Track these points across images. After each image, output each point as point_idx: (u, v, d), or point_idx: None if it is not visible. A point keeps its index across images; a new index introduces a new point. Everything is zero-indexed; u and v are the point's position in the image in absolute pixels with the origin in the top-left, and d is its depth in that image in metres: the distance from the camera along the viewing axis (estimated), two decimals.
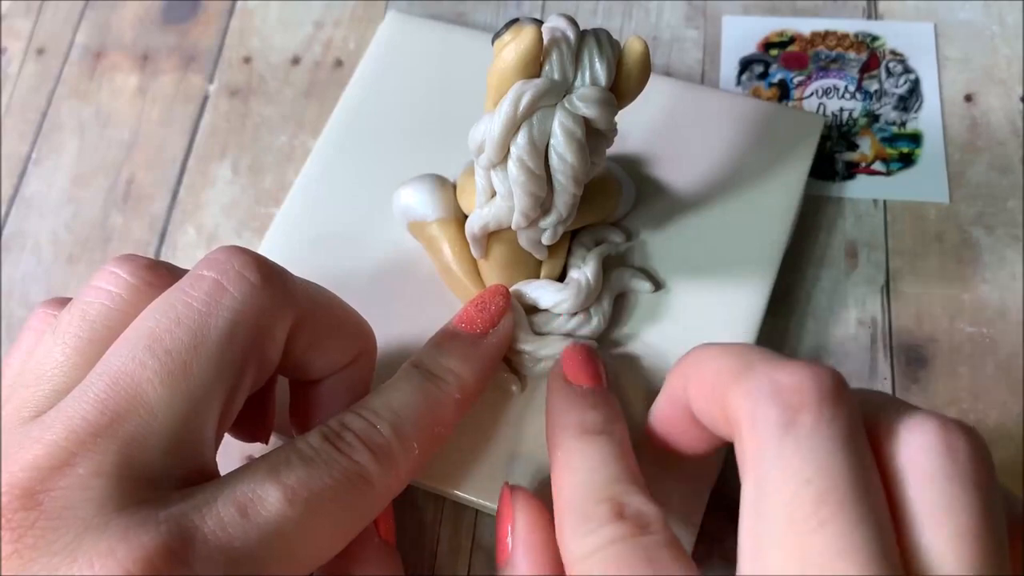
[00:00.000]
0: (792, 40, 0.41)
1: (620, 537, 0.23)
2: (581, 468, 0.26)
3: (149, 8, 0.43)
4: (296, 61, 0.41)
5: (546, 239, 0.30)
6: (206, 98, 0.41)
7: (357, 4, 0.43)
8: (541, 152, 0.28)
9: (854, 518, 0.20)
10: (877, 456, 0.21)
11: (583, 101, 0.27)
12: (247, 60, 0.42)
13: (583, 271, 0.32)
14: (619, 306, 0.33)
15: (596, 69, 0.27)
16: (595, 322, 0.32)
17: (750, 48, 0.40)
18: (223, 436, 0.26)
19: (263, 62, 0.42)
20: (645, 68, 0.28)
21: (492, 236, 0.31)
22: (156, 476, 0.23)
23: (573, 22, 0.27)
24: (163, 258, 0.36)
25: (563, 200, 0.29)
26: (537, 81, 0.27)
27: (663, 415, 0.27)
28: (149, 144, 0.40)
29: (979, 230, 0.36)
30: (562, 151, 0.28)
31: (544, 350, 0.31)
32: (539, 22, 0.27)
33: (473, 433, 0.31)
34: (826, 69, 0.40)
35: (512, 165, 0.28)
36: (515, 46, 0.26)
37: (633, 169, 0.35)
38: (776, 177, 0.35)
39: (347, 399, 0.28)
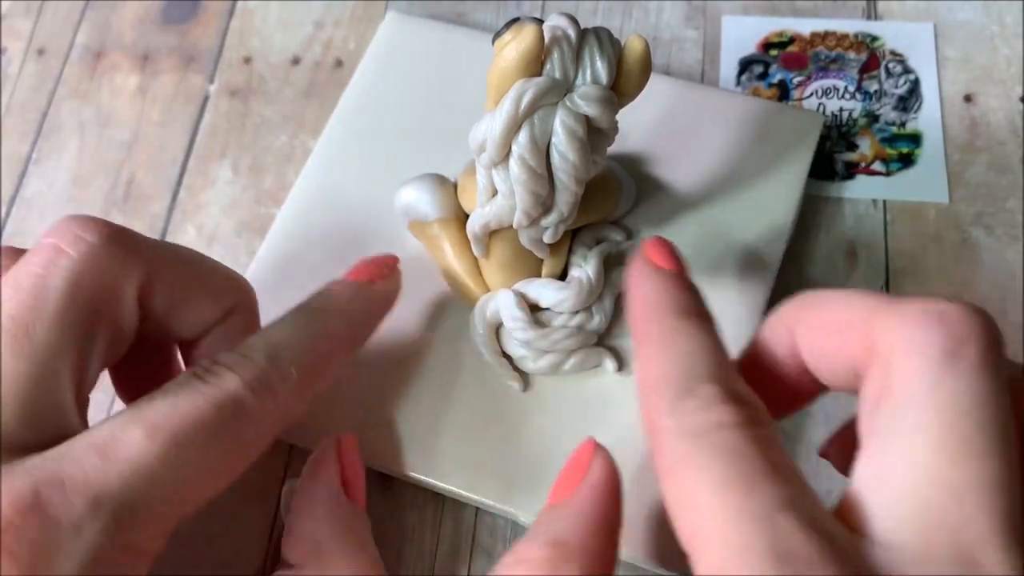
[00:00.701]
0: (792, 40, 0.41)
1: (735, 423, 0.21)
2: (685, 346, 0.24)
3: (149, 8, 0.43)
4: (296, 61, 0.41)
5: (547, 238, 0.30)
6: (206, 98, 0.41)
7: (357, 4, 0.43)
8: (542, 151, 0.28)
9: (1005, 457, 0.19)
10: (1018, 402, 0.21)
11: (584, 99, 0.27)
12: (247, 60, 0.42)
13: (584, 269, 0.32)
14: (620, 305, 0.33)
15: (597, 67, 0.27)
16: (596, 320, 0.32)
17: (750, 48, 0.41)
18: (87, 403, 0.25)
19: (263, 62, 0.42)
20: (646, 67, 0.28)
21: (493, 235, 0.31)
22: (12, 443, 0.22)
23: (574, 21, 0.27)
24: None
25: (564, 199, 0.29)
26: (538, 80, 0.27)
27: (759, 357, 0.25)
28: (149, 144, 0.40)
29: (979, 230, 0.36)
30: (564, 150, 0.28)
31: (542, 342, 0.31)
32: (540, 21, 0.27)
33: (475, 431, 0.31)
34: (826, 69, 0.40)
35: (514, 164, 0.28)
36: (516, 45, 0.26)
37: (634, 168, 0.35)
38: (776, 175, 0.35)
39: None
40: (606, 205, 0.33)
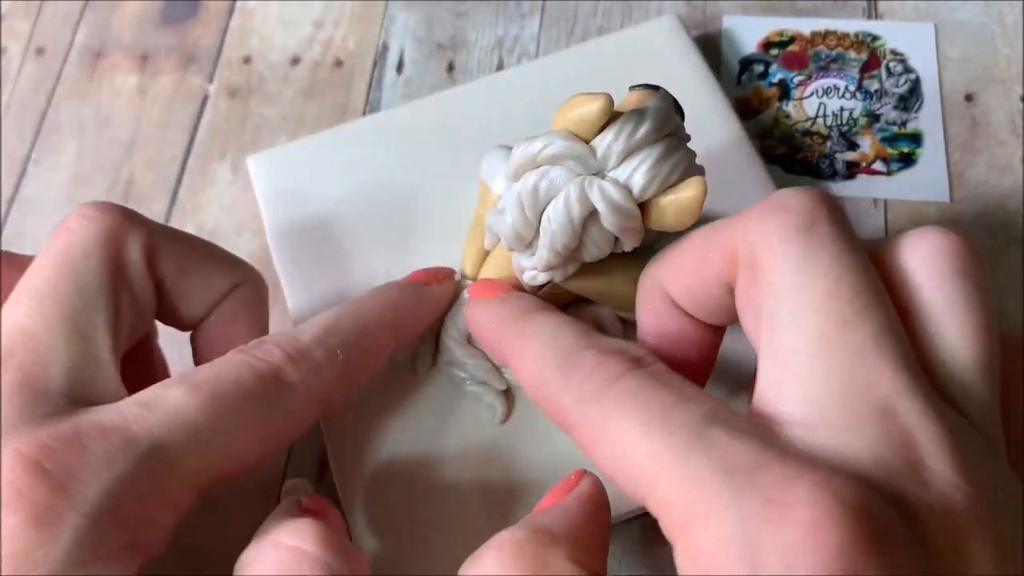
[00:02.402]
0: (792, 40, 0.41)
1: (625, 370, 0.22)
2: (543, 335, 0.25)
3: (149, 8, 0.43)
4: (296, 61, 0.41)
5: (526, 278, 0.29)
6: (206, 98, 0.41)
7: (357, 4, 0.43)
8: (540, 202, 0.27)
9: (885, 310, 0.20)
10: (878, 267, 0.22)
11: (602, 192, 0.26)
12: (247, 60, 0.42)
13: None
14: None
15: (636, 177, 0.26)
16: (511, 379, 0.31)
17: (750, 48, 0.40)
18: (119, 361, 0.26)
19: (263, 62, 0.42)
20: (682, 213, 0.26)
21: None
22: (61, 392, 0.24)
23: (665, 121, 0.26)
24: None
25: (543, 255, 0.28)
26: (574, 144, 0.26)
27: (648, 332, 0.26)
28: (149, 144, 0.40)
29: (979, 230, 0.36)
30: (553, 215, 0.27)
31: (456, 369, 0.31)
32: (657, 89, 0.27)
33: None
34: (826, 69, 0.40)
35: (513, 194, 0.27)
36: (581, 108, 0.26)
37: None
38: (695, 97, 0.34)
39: (243, 334, 0.28)
40: (626, 296, 0.30)
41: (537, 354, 0.25)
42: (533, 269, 0.29)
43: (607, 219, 0.26)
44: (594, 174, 0.26)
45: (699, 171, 0.27)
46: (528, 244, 0.28)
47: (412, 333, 0.30)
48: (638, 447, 0.20)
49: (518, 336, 0.26)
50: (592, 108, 0.26)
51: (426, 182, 0.35)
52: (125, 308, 0.27)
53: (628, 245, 0.28)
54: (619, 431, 0.21)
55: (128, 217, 0.27)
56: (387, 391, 0.32)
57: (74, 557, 0.21)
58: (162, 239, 0.28)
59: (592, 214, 0.27)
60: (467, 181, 0.34)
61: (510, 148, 0.30)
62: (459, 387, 0.32)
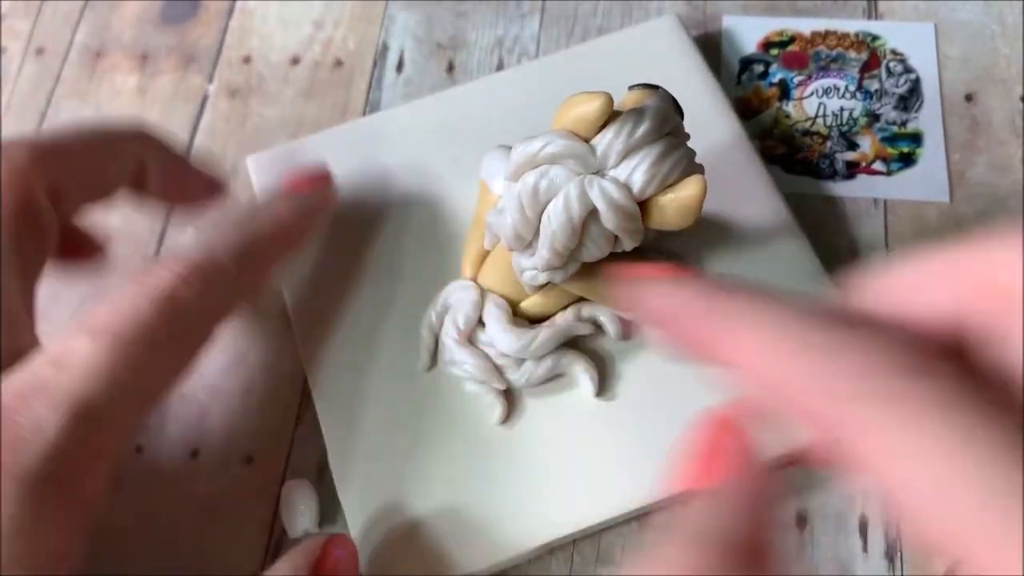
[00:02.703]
0: (792, 40, 0.41)
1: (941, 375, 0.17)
2: (771, 320, 0.19)
3: (148, 8, 0.43)
4: (296, 61, 0.41)
5: (526, 278, 0.29)
6: (206, 98, 0.41)
7: (356, 4, 0.43)
8: (539, 201, 0.27)
9: None
10: None
11: (601, 192, 0.26)
12: (247, 60, 0.42)
13: (544, 329, 0.31)
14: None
15: (636, 176, 0.26)
16: (517, 377, 0.31)
17: (750, 48, 0.40)
18: (33, 310, 0.27)
19: (263, 62, 0.42)
20: (684, 213, 0.26)
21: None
22: None
23: (664, 120, 0.26)
24: None
25: (543, 255, 0.28)
26: (573, 143, 0.26)
27: None
28: None
29: (979, 230, 0.36)
30: (553, 214, 0.27)
31: (462, 366, 0.31)
32: (655, 88, 0.26)
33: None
34: (826, 69, 0.40)
35: (512, 194, 0.27)
36: (580, 107, 0.25)
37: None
38: (693, 99, 0.34)
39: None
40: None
41: (774, 342, 0.18)
42: (533, 269, 0.29)
43: (607, 218, 0.26)
44: (594, 173, 0.26)
45: (699, 169, 0.27)
46: (528, 244, 0.28)
47: (296, 241, 0.31)
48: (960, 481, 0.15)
49: (735, 321, 0.19)
50: (591, 107, 0.26)
51: (426, 182, 0.35)
52: (31, 249, 0.27)
53: (628, 245, 0.28)
54: (932, 453, 0.16)
55: (32, 158, 0.27)
56: (387, 391, 0.32)
57: (17, 526, 0.22)
58: (60, 170, 0.27)
59: (592, 213, 0.27)
60: (467, 181, 0.34)
61: (510, 148, 0.30)
62: (459, 387, 0.32)
